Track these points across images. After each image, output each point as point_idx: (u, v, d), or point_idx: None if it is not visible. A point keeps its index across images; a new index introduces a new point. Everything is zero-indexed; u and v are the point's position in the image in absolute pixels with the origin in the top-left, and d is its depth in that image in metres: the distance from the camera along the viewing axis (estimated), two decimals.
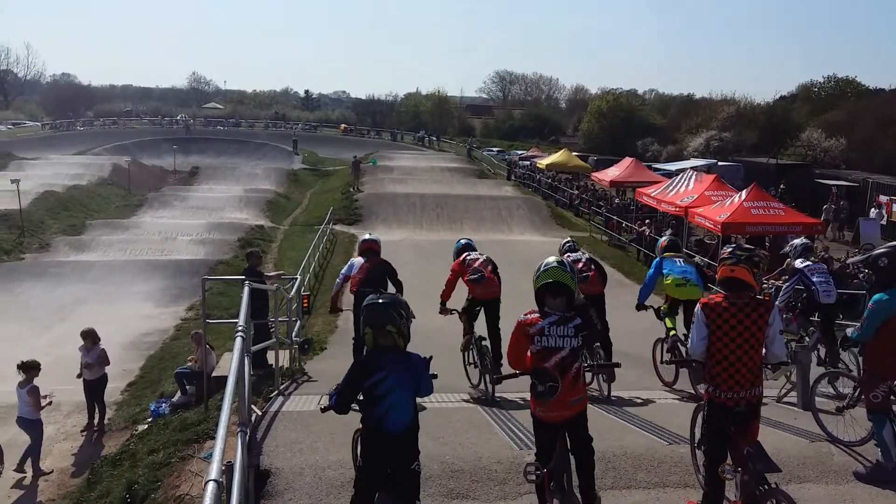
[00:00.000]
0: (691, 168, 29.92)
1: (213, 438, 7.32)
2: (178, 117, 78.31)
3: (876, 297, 5.80)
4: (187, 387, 10.95)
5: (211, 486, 3.11)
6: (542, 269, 4.66)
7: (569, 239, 10.30)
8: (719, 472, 4.68)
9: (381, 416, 4.18)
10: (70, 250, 26.17)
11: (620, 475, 5.66)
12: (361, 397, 4.31)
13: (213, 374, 9.99)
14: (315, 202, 38.26)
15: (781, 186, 34.35)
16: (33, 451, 10.39)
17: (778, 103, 65.73)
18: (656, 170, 38.53)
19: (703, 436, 4.95)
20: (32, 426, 10.44)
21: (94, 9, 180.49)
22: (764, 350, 4.79)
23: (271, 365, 9.57)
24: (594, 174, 37.06)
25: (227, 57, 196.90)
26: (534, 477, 4.57)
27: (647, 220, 26.40)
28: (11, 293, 20.93)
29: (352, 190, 37.01)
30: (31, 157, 48.77)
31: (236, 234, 28.19)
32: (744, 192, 20.66)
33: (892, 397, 5.74)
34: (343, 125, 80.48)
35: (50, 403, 10.82)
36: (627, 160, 34.44)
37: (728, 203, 20.51)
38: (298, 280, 12.28)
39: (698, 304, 4.88)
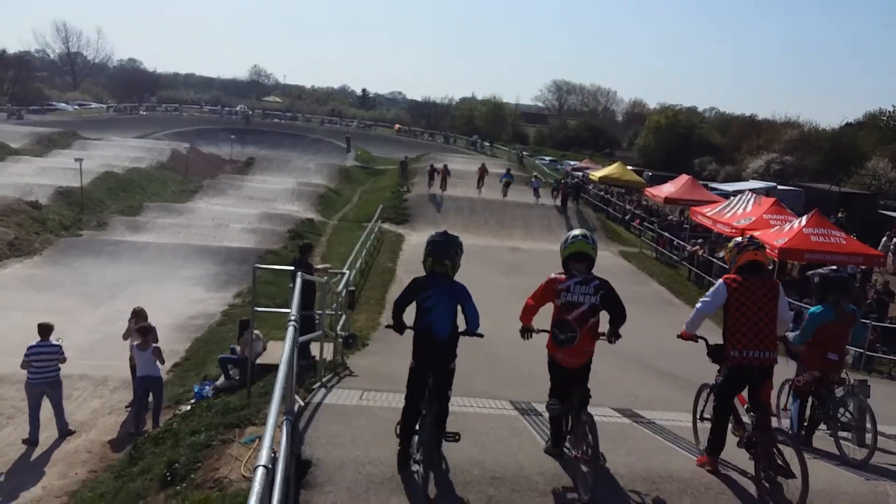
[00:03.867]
0: (750, 190, 29.20)
1: (255, 424, 7.41)
2: (238, 108, 79.91)
3: (812, 309, 7.32)
4: (231, 371, 11.07)
5: (260, 472, 3.12)
6: (569, 241, 5.73)
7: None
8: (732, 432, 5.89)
9: (429, 323, 5.32)
10: (126, 230, 26.87)
11: (665, 498, 5.48)
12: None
13: (258, 361, 10.06)
14: (365, 199, 38.56)
15: (840, 214, 33.27)
16: (155, 406, 11.13)
17: (844, 130, 63.86)
18: (713, 189, 37.76)
19: (715, 386, 5.96)
20: (158, 383, 11.17)
21: None
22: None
23: (314, 356, 9.61)
24: (648, 189, 36.50)
25: (288, 52, 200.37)
26: (555, 410, 5.72)
27: (699, 240, 25.84)
28: (68, 267, 21.59)
29: (401, 190, 37.17)
30: (94, 137, 50.38)
31: (286, 226, 28.57)
32: (804, 218, 20.08)
33: (812, 387, 7.19)
34: (397, 125, 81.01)
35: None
36: (684, 177, 33.83)
37: (787, 228, 19.94)
38: (347, 275, 12.32)
39: (721, 279, 5.88)
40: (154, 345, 11.28)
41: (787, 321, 6.02)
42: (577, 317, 5.46)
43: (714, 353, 5.88)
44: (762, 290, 5.71)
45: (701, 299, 5.96)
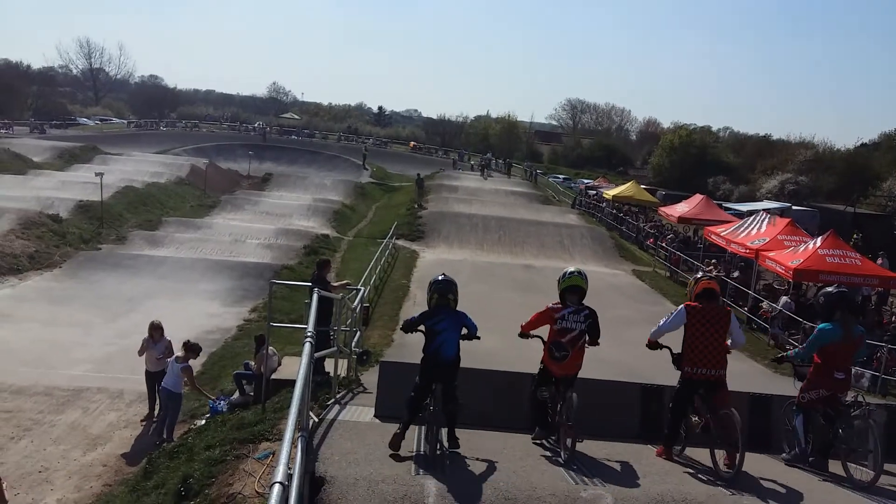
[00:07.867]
0: (764, 210, 29.01)
1: (269, 440, 7.47)
2: (256, 124, 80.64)
3: (819, 326, 7.39)
4: (246, 386, 11.16)
5: (276, 489, 3.17)
6: (566, 276, 7.03)
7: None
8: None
9: (437, 347, 6.41)
10: (145, 244, 27.14)
11: None
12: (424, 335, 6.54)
13: (273, 376, 10.14)
14: (380, 216, 38.76)
15: (855, 236, 33.01)
16: (170, 421, 11.13)
17: (859, 150, 63.40)
18: (727, 209, 37.56)
19: (673, 398, 7.06)
20: (174, 398, 11.20)
21: (186, 16, 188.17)
22: (729, 340, 6.81)
23: (328, 372, 9.68)
24: (662, 209, 36.38)
25: (307, 69, 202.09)
26: (546, 395, 6.94)
27: (713, 260, 25.72)
28: (86, 281, 21.83)
29: (416, 207, 37.33)
30: (115, 152, 51.02)
31: (302, 242, 28.76)
32: (819, 239, 19.90)
33: (820, 405, 7.25)
34: (412, 143, 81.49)
35: None
36: (698, 197, 33.67)
37: (802, 249, 19.77)
38: (361, 291, 12.40)
39: (683, 305, 6.92)
40: (187, 364, 11.40)
41: (739, 343, 7.01)
42: (569, 339, 6.80)
43: (677, 361, 6.93)
44: (716, 317, 6.77)
45: (662, 319, 7.02)
